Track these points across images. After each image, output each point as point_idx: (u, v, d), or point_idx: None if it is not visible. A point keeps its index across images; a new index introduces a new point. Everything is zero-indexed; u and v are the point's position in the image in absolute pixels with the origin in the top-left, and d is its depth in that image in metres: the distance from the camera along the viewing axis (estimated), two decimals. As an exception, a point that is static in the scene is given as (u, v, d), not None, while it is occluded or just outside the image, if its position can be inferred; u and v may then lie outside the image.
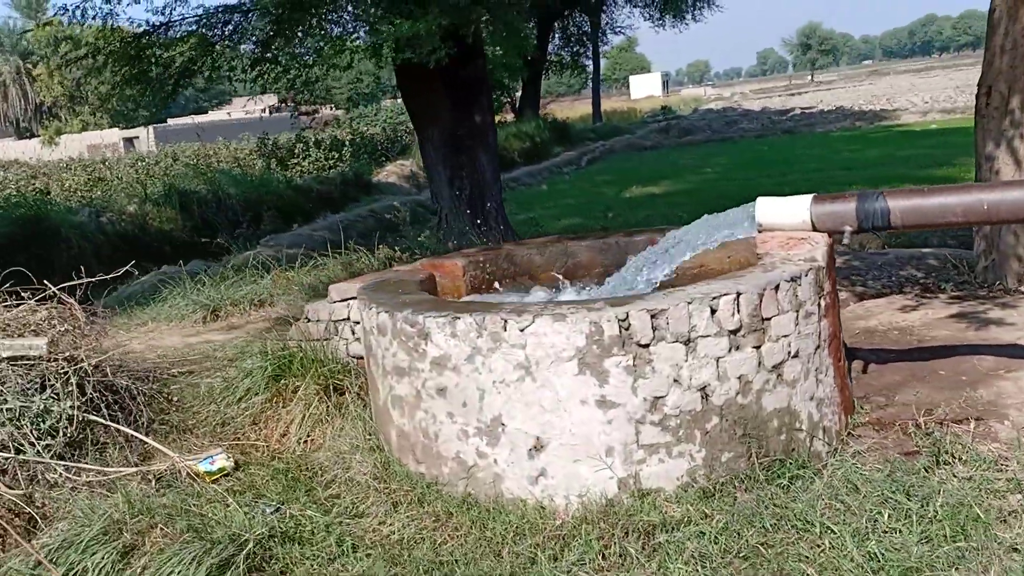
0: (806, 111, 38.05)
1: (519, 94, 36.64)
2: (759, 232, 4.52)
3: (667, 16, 35.75)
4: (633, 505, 3.84)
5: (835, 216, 4.29)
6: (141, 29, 10.10)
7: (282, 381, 5.20)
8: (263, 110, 35.61)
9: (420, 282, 4.92)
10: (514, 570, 3.64)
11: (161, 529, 4.05)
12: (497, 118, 20.36)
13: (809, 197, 4.38)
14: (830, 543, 3.53)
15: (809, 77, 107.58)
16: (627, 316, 3.79)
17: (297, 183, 19.88)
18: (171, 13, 9.91)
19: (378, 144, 27.72)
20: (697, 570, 3.48)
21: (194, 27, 9.74)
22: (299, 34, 9.47)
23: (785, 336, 4.03)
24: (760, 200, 4.46)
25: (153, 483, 4.49)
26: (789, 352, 4.05)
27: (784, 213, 4.39)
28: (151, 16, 11.76)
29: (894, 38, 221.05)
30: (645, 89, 78.82)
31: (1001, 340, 5.23)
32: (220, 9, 9.80)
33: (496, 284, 5.35)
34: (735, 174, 19.54)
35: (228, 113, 58.14)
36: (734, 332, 3.89)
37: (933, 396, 4.65)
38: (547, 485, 3.95)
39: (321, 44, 8.86)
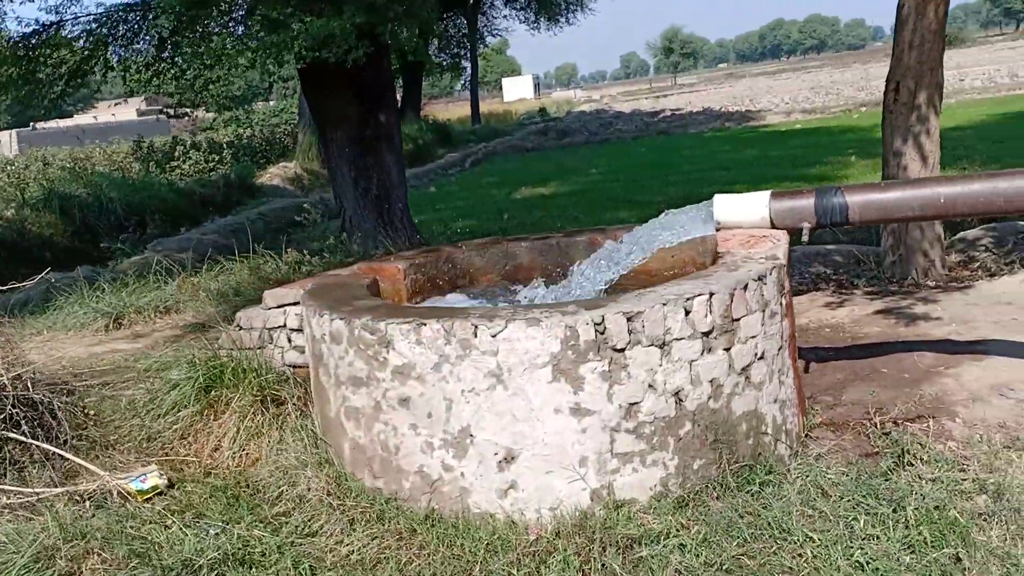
0: (676, 112, 38.66)
1: (399, 95, 36.25)
2: (717, 230, 4.40)
3: (542, 19, 36.01)
4: (609, 517, 3.65)
5: (794, 212, 4.21)
6: (30, 28, 9.40)
7: (213, 392, 4.82)
8: (160, 110, 34.13)
9: (366, 287, 4.63)
10: (491, 589, 3.41)
11: (99, 555, 3.67)
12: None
13: (767, 194, 4.28)
14: (812, 552, 3.40)
15: (671, 80, 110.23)
16: (603, 319, 3.60)
17: (179, 186, 19.06)
18: (64, 12, 9.24)
19: (256, 146, 26.90)
20: (684, 583, 3.32)
21: (92, 26, 9.08)
22: (199, 32, 8.97)
23: (753, 337, 3.91)
24: (718, 198, 4.33)
25: (85, 504, 4.08)
26: (756, 354, 3.93)
27: (743, 211, 4.28)
28: (43, 15, 10.98)
29: (746, 42, 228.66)
30: (518, 91, 79.00)
31: (932, 336, 5.26)
32: (118, 8, 9.18)
33: (454, 291, 5.09)
34: (619, 175, 19.60)
35: (95, 117, 55.58)
36: (706, 334, 3.75)
37: (880, 395, 4.62)
38: (517, 498, 3.73)
39: (225, 43, 8.37)
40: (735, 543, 3.49)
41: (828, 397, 4.70)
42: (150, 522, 3.97)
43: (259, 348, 4.99)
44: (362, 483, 4.03)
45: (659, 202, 14.29)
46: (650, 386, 3.68)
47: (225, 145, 24.75)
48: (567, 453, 3.67)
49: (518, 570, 3.46)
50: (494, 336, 3.61)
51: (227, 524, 3.93)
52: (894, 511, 3.59)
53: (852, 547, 3.39)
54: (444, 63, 37.74)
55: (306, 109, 27.44)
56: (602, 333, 3.60)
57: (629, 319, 3.62)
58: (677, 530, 3.55)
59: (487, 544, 3.61)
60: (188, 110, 35.73)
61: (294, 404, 4.74)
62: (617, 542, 3.52)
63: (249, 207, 18.28)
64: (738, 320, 3.84)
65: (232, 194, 19.92)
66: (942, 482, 3.75)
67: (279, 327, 4.94)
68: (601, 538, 3.54)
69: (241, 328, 5.06)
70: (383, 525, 3.81)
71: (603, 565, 3.42)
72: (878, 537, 3.45)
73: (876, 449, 4.12)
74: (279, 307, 4.91)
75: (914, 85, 6.74)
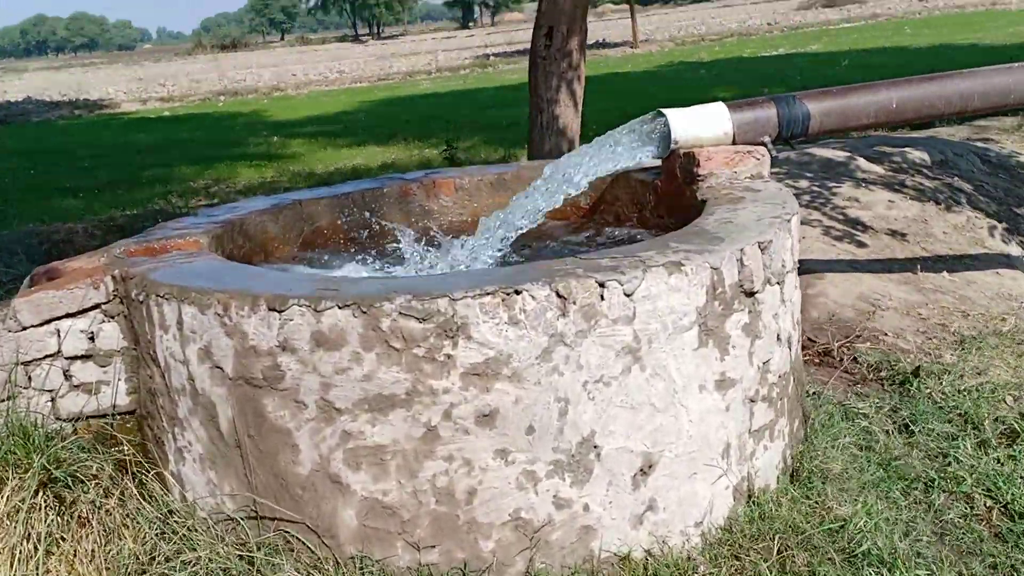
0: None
1: None
2: (672, 151, 3.42)
3: None
4: (765, 513, 2.61)
5: (758, 124, 3.43)
6: None
7: (-56, 489, 2.57)
8: None
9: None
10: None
11: None
12: None
13: (722, 105, 3.44)
14: (981, 487, 2.79)
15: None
16: (742, 254, 2.52)
17: None
18: None
19: None
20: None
21: None
22: None
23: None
24: (671, 113, 3.36)
25: None
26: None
27: (704, 126, 3.36)
28: None
29: (5, 36, 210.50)
30: None
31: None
32: None
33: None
34: (26, 163, 16.17)
35: None
36: (795, 265, 2.86)
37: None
38: (656, 523, 2.48)
39: None
40: (900, 501, 2.72)
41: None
42: None
43: (8, 399, 2.77)
44: (387, 565, 2.39)
45: (158, 184, 12.08)
46: (777, 337, 2.70)
47: None
48: (711, 443, 2.53)
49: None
50: (629, 295, 2.32)
51: None
52: (974, 428, 3.12)
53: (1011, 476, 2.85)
54: None
55: None
56: (741, 273, 2.53)
57: (763, 250, 2.59)
58: (858, 510, 2.65)
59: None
60: None
61: (104, 488, 2.72)
62: (815, 543, 2.51)
63: None
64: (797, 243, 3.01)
65: None
66: (967, 391, 3.36)
67: (47, 357, 2.78)
68: (788, 542, 2.50)
69: (-38, 370, 2.76)
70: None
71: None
72: (987, 452, 2.95)
73: (863, 376, 3.60)
74: (46, 324, 2.76)
75: (566, 30, 6.33)
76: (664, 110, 3.38)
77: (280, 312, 2.30)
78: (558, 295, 2.27)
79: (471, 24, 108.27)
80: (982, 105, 3.66)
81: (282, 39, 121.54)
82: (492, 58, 35.45)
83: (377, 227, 3.94)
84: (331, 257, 3.69)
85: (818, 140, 6.59)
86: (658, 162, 3.52)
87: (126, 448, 2.81)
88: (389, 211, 3.98)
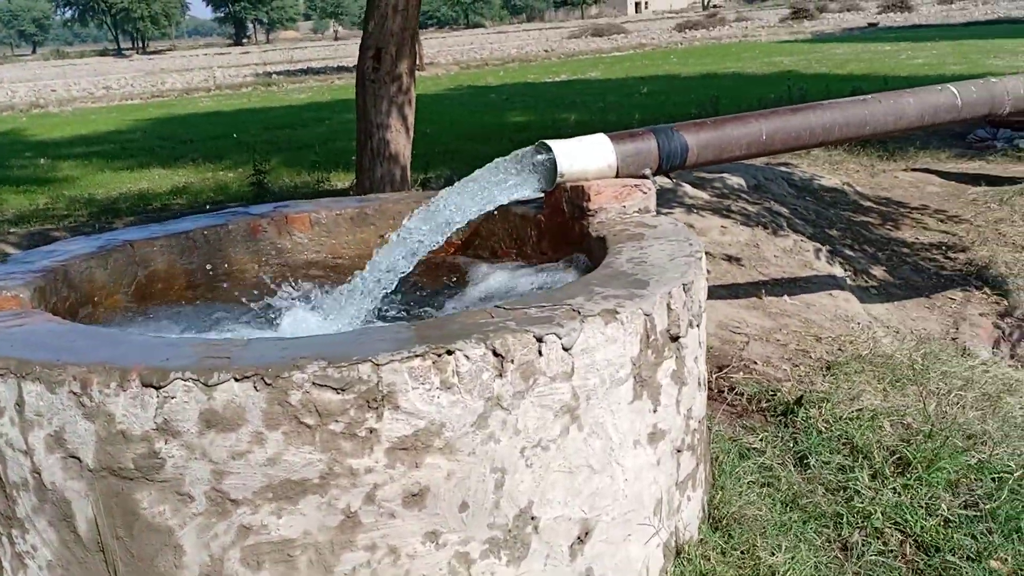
0: None
1: None
2: (557, 184, 3.16)
3: None
4: (704, 569, 2.41)
5: (639, 157, 3.25)
6: None
7: None
8: None
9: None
10: None
11: None
12: None
13: (604, 137, 3.23)
14: (857, 509, 2.74)
15: None
16: (670, 297, 2.31)
17: None
18: None
19: None
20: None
21: None
22: None
23: (690, 303, 2.95)
24: (557, 145, 3.12)
25: None
26: (690, 323, 2.98)
27: (589, 159, 3.14)
28: None
29: None
30: None
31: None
32: None
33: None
34: None
35: None
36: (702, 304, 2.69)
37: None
38: (593, 594, 2.22)
39: None
40: (815, 542, 2.61)
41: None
42: None
43: None
44: None
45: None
46: (699, 381, 2.51)
47: None
48: (643, 502, 2.30)
49: None
50: (568, 349, 2.05)
51: None
52: (865, 458, 3.07)
53: (882, 491, 2.82)
54: None
55: None
56: (668, 317, 2.32)
57: (686, 291, 2.39)
58: (787, 559, 2.50)
59: None
60: None
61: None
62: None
63: None
64: (696, 281, 2.84)
65: None
66: (856, 419, 3.32)
67: None
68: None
69: None
70: None
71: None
72: (879, 479, 2.91)
73: (744, 409, 3.49)
74: None
75: (395, 52, 6.02)
76: (549, 142, 3.14)
77: (158, 388, 1.85)
78: (495, 353, 1.96)
79: (245, 41, 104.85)
80: (841, 136, 3.67)
81: (34, 52, 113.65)
82: (275, 76, 34.26)
83: (223, 269, 3.47)
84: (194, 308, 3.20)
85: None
86: (531, 195, 3.26)
87: (-60, 555, 2.25)
88: (236, 251, 3.51)
